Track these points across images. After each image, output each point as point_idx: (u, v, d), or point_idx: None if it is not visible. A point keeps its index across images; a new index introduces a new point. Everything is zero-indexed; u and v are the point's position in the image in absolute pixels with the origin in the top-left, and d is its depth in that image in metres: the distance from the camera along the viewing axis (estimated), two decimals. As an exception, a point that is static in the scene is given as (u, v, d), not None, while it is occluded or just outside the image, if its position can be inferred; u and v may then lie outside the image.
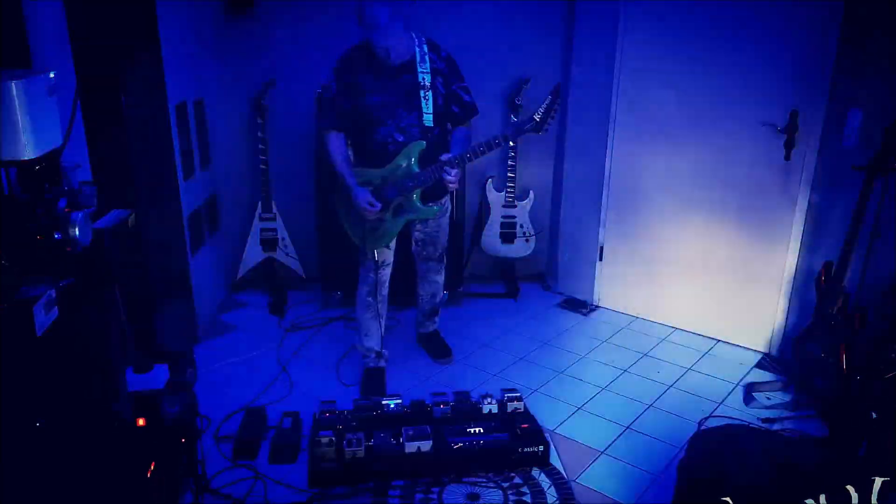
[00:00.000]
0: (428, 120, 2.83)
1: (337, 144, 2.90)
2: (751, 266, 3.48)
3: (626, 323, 3.91)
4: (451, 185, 2.84)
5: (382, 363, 3.23)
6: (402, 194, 2.87)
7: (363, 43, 2.79)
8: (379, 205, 2.84)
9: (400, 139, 2.84)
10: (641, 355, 3.53)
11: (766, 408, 3.01)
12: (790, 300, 3.37)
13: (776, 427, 2.87)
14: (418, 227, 3.11)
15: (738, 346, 3.61)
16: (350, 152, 2.97)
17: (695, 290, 3.72)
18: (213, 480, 2.49)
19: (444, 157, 2.78)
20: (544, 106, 2.70)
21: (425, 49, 2.82)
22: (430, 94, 2.81)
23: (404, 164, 2.84)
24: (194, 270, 3.47)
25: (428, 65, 2.80)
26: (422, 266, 3.27)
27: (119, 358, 1.95)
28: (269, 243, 4.03)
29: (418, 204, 2.90)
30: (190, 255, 3.42)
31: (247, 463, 2.61)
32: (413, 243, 3.19)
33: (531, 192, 4.10)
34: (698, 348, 3.61)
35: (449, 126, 3.00)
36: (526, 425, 2.69)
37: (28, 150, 1.43)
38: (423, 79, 2.80)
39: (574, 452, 2.72)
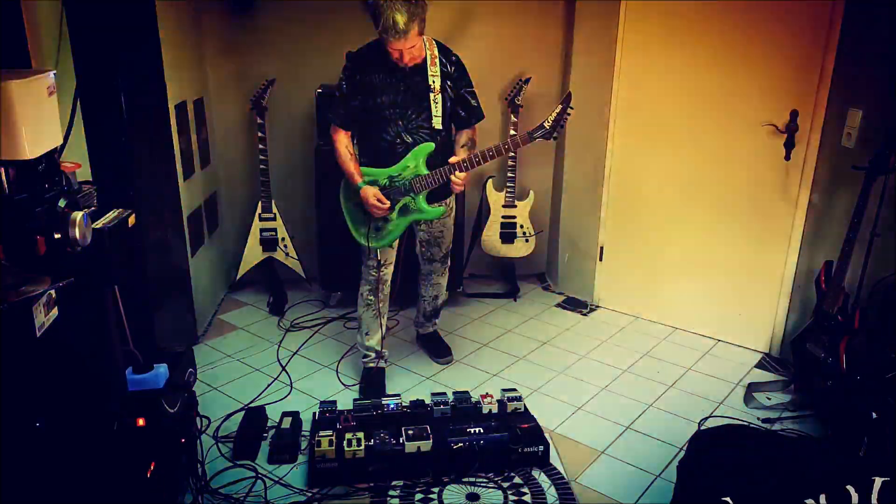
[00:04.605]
0: (437, 122, 2.83)
1: (344, 143, 2.90)
2: (751, 266, 3.48)
3: (626, 323, 3.91)
4: (456, 188, 2.84)
5: (382, 363, 3.23)
6: (409, 195, 2.88)
7: (375, 43, 2.79)
8: (387, 202, 2.85)
9: (408, 140, 2.84)
10: (641, 355, 3.53)
11: (766, 408, 3.01)
12: (790, 300, 3.37)
13: (776, 427, 2.87)
14: (423, 227, 3.11)
15: (738, 346, 3.61)
16: (356, 151, 2.97)
17: (695, 290, 3.72)
18: (213, 480, 2.48)
19: (454, 159, 2.79)
20: (555, 113, 2.68)
21: (436, 52, 2.82)
22: (439, 97, 2.81)
23: (412, 165, 2.84)
24: (194, 270, 3.47)
25: (438, 68, 2.81)
26: (426, 267, 3.27)
27: (119, 358, 1.95)
28: (269, 243, 4.03)
29: (424, 205, 2.90)
30: (190, 255, 3.42)
31: (247, 463, 2.61)
32: (418, 244, 3.19)
33: (531, 192, 4.10)
34: (698, 348, 3.61)
35: (452, 127, 3.00)
36: (526, 425, 2.69)
37: (28, 150, 1.43)
38: (433, 81, 2.80)
39: (574, 452, 2.72)
